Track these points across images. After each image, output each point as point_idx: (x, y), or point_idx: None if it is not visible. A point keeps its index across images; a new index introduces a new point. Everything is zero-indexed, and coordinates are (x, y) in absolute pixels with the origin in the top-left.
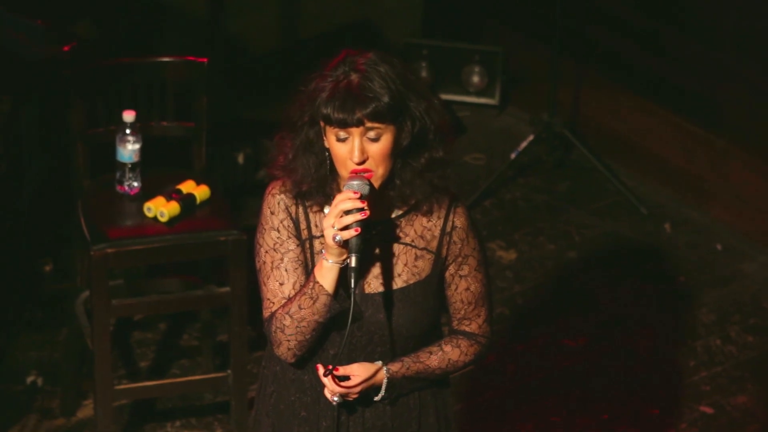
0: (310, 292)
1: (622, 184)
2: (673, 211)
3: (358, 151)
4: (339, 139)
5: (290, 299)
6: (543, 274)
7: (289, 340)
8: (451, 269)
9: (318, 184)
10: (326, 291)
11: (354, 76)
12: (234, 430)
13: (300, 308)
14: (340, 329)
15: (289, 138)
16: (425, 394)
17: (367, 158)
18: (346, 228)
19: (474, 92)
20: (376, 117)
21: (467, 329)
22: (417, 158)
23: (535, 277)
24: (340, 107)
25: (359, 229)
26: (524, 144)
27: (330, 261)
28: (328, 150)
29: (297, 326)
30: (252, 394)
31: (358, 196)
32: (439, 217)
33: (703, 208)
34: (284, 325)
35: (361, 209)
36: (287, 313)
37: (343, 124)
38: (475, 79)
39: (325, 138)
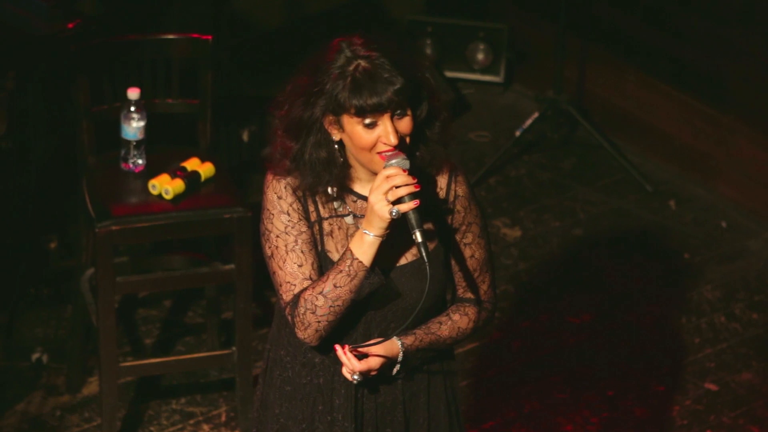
0: (347, 269)
1: (628, 162)
2: (679, 188)
3: (392, 133)
4: (366, 126)
5: (319, 280)
6: (548, 252)
7: (319, 322)
8: (456, 238)
9: (337, 182)
10: (366, 267)
11: (364, 63)
12: (239, 407)
13: (335, 287)
14: (359, 309)
15: (289, 140)
16: (433, 366)
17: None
18: (398, 202)
19: (479, 69)
20: (404, 93)
21: (473, 296)
22: (431, 126)
23: (540, 254)
24: (370, 93)
25: (419, 201)
26: (529, 121)
27: (371, 235)
28: (337, 143)
29: (331, 306)
30: (257, 371)
31: (406, 173)
32: (441, 188)
33: (708, 185)
34: (316, 306)
35: (412, 183)
36: (321, 293)
37: (378, 109)
38: (480, 56)
39: (336, 131)
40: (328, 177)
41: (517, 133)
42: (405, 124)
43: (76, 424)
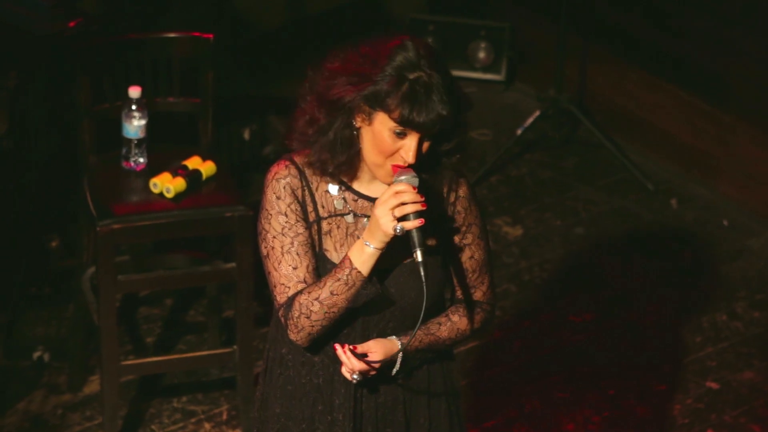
0: (345, 278)
1: (629, 160)
2: (680, 187)
3: (413, 153)
4: (396, 134)
5: (315, 284)
6: (549, 250)
7: (313, 326)
8: (456, 238)
9: (349, 165)
10: (364, 277)
11: (425, 78)
12: (240, 406)
13: (332, 294)
14: (357, 310)
15: (320, 112)
16: (434, 367)
17: None
18: (403, 219)
19: (480, 68)
20: (447, 123)
21: (472, 297)
22: (450, 156)
23: (541, 253)
24: (420, 110)
25: (423, 220)
26: (530, 120)
27: (372, 247)
28: (357, 130)
29: (326, 312)
30: (258, 369)
31: (415, 190)
32: (442, 188)
33: (709, 184)
34: (311, 311)
35: (420, 201)
36: (316, 299)
37: (419, 128)
38: (482, 54)
39: (362, 120)
40: (343, 157)
41: (519, 132)
42: (425, 147)
43: (77, 422)
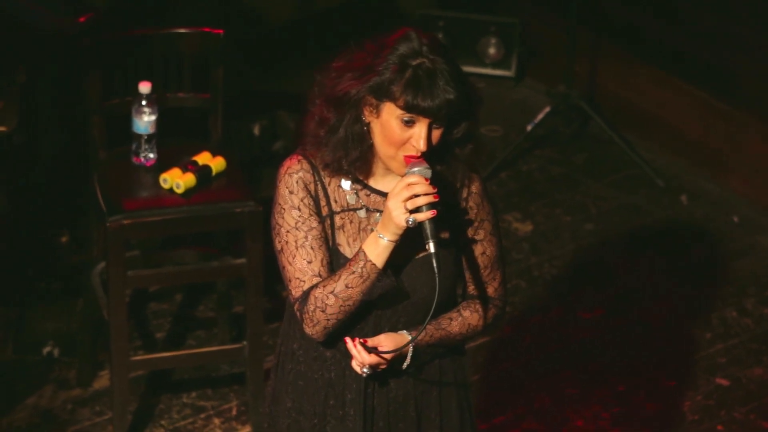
0: (360, 270)
1: (639, 157)
2: (690, 183)
3: (424, 141)
4: (404, 123)
5: (329, 278)
6: (559, 246)
7: (329, 320)
8: (468, 234)
9: (363, 161)
10: (378, 269)
11: (428, 63)
12: (250, 401)
13: (347, 287)
14: (370, 305)
15: (329, 111)
16: (445, 361)
17: None
18: (416, 210)
19: (490, 64)
20: (454, 107)
21: (484, 293)
22: (463, 146)
23: (551, 249)
24: (424, 95)
25: (435, 212)
26: (541, 116)
27: (386, 239)
28: (367, 124)
29: (341, 305)
30: (268, 365)
31: (428, 182)
32: (455, 184)
33: (719, 181)
34: (326, 304)
35: (432, 193)
36: (331, 292)
37: (425, 112)
38: (492, 50)
39: (370, 114)
40: (356, 153)
41: (529, 128)
42: (436, 135)
43: (87, 417)
